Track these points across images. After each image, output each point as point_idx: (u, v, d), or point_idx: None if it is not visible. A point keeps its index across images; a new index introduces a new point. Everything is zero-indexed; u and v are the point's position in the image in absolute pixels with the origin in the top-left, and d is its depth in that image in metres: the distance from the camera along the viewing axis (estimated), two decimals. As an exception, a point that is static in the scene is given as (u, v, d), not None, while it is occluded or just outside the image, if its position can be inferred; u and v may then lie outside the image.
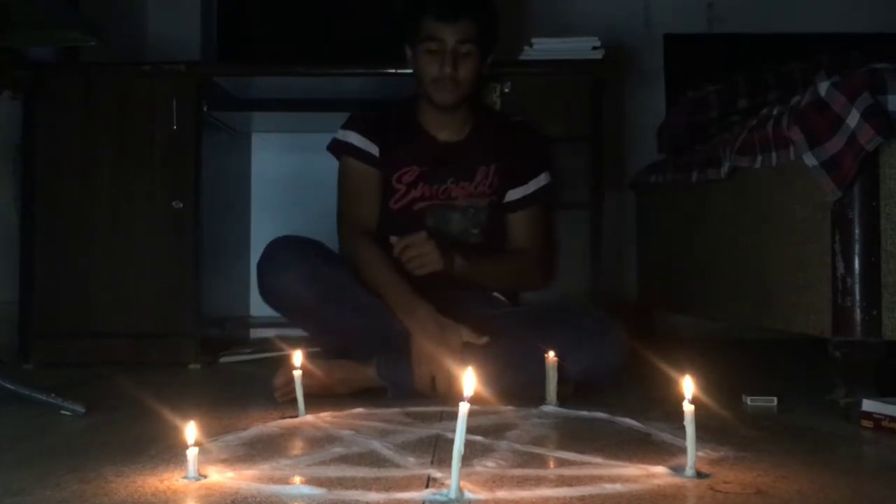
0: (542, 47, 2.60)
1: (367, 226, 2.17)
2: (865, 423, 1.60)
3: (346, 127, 2.24)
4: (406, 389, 1.89)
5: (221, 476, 1.23)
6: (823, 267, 1.72)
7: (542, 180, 2.26)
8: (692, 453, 1.25)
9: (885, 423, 1.56)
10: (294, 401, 1.71)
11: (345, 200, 2.22)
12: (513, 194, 2.24)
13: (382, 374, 1.91)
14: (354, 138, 2.21)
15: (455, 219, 2.19)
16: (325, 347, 2.13)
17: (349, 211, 2.20)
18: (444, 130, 2.23)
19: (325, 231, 2.24)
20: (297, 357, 1.71)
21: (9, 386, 1.76)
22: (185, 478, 1.21)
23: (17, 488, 1.18)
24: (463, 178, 2.20)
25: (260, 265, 2.05)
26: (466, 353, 1.86)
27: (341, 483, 1.19)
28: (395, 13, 2.33)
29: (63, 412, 1.70)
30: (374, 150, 2.20)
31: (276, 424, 1.62)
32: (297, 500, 1.13)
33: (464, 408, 1.10)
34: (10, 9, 2.06)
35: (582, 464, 1.32)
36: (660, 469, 1.27)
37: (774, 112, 1.90)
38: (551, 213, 2.40)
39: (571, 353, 1.88)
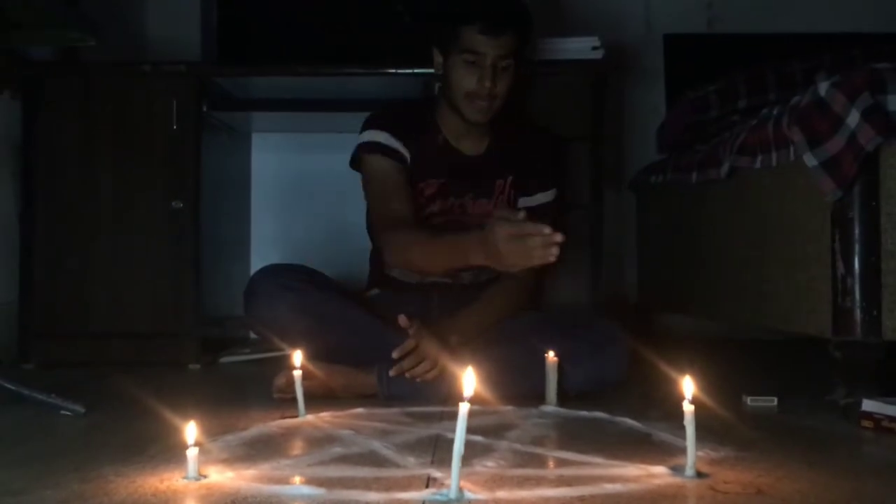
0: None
1: (405, 220, 2.05)
2: (865, 423, 1.60)
3: (372, 126, 2.13)
4: (406, 398, 1.86)
5: (221, 476, 1.23)
6: (823, 267, 1.72)
7: (549, 195, 2.20)
8: (692, 453, 1.25)
9: (884, 424, 1.56)
10: (293, 401, 1.72)
11: (378, 200, 2.10)
12: (520, 203, 2.18)
13: (383, 388, 1.90)
14: (384, 137, 2.10)
15: None
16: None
17: (384, 210, 2.07)
18: (466, 141, 2.16)
19: (324, 231, 2.24)
20: (298, 357, 1.71)
21: (9, 386, 1.76)
22: (185, 478, 1.21)
23: (18, 488, 1.18)
24: (482, 194, 2.15)
25: (247, 297, 2.03)
26: (468, 355, 1.86)
27: (341, 483, 1.19)
28: (427, 14, 2.19)
29: (63, 412, 1.70)
30: (404, 150, 2.11)
31: (276, 424, 1.62)
32: (297, 500, 1.13)
33: (464, 408, 1.10)
34: (9, 9, 2.06)
35: (582, 464, 1.32)
36: (660, 469, 1.28)
37: (774, 112, 1.90)
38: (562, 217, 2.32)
39: (573, 365, 1.88)
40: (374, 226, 2.14)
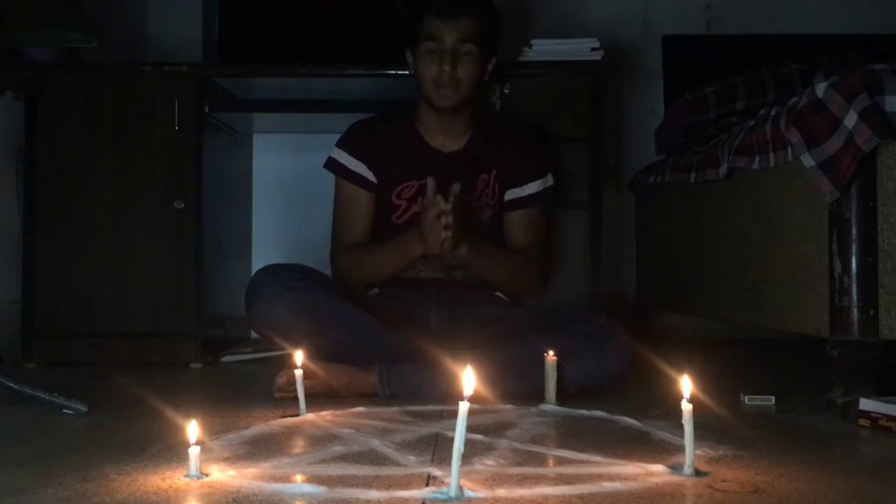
0: (542, 48, 2.60)
1: (359, 245, 2.21)
2: (863, 421, 1.60)
3: (339, 145, 2.25)
4: (406, 398, 1.88)
5: (223, 474, 1.24)
6: (821, 267, 1.73)
7: (541, 184, 2.25)
8: (690, 452, 1.26)
9: (882, 422, 1.57)
10: (294, 400, 1.72)
11: (337, 221, 2.25)
12: (510, 194, 2.24)
13: (384, 386, 1.91)
14: (346, 159, 2.22)
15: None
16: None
17: (341, 233, 2.23)
18: (445, 139, 2.22)
19: (324, 231, 2.25)
20: (299, 356, 1.72)
21: (11, 385, 1.76)
22: (186, 476, 1.22)
23: (19, 487, 1.19)
24: (465, 191, 2.16)
25: (248, 297, 2.06)
26: (468, 355, 1.86)
27: (342, 481, 1.20)
28: (397, 18, 2.31)
29: (65, 411, 1.71)
30: (367, 172, 2.21)
31: (277, 423, 1.62)
32: (299, 499, 1.14)
33: (464, 406, 1.10)
34: (11, 9, 2.07)
35: (581, 462, 1.33)
36: (658, 467, 1.28)
37: (772, 113, 1.91)
38: (547, 216, 2.37)
39: (573, 360, 1.89)
40: (333, 241, 2.25)
